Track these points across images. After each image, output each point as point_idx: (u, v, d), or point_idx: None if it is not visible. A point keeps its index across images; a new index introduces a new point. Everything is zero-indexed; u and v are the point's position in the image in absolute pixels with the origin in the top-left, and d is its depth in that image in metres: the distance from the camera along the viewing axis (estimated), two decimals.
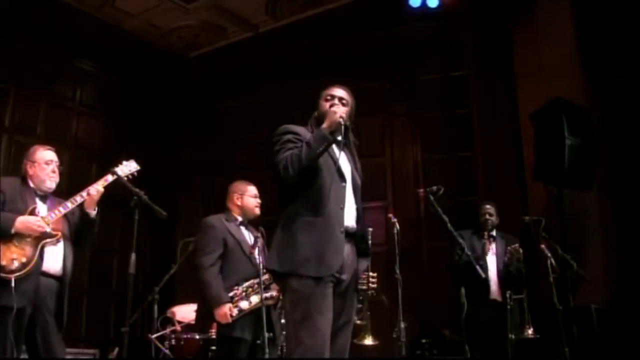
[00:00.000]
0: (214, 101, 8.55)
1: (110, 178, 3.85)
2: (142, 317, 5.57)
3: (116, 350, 5.65)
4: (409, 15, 7.02)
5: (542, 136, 5.66)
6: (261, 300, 3.88)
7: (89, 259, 6.99)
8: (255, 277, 3.95)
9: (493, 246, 5.24)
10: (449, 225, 3.73)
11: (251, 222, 4.30)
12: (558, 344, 4.56)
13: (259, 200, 4.33)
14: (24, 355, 3.67)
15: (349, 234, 2.87)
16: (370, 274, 3.07)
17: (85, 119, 7.69)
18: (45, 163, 3.84)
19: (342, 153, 2.90)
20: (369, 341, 4.63)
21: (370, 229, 3.14)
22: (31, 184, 3.82)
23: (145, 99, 8.27)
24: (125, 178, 3.87)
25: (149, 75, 8.10)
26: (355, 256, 2.91)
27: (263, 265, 3.79)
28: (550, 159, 5.47)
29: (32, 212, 3.69)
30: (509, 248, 5.01)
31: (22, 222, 3.59)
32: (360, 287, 2.99)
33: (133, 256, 3.54)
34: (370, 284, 3.05)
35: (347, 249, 2.84)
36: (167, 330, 5.15)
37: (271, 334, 3.94)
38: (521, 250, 4.98)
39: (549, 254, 4.69)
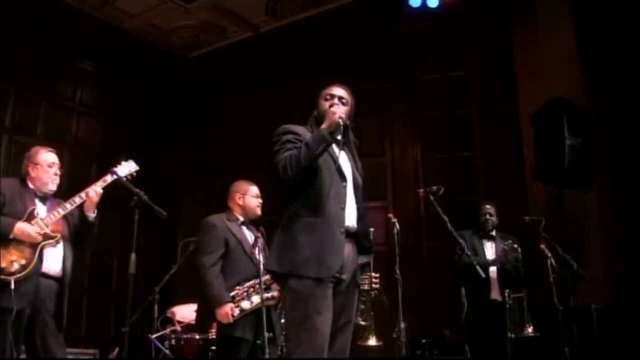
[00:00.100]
0: (214, 101, 8.55)
1: (109, 179, 3.85)
2: (142, 317, 5.58)
3: (116, 350, 5.64)
4: (409, 15, 7.02)
5: (542, 136, 5.66)
6: (262, 300, 3.88)
7: (89, 259, 7.00)
8: (256, 277, 3.95)
9: (493, 246, 5.25)
10: (449, 225, 3.73)
11: (252, 222, 4.30)
12: (558, 344, 4.57)
13: (260, 200, 4.33)
14: (23, 356, 3.67)
15: (350, 234, 2.86)
16: (373, 274, 3.06)
17: (85, 119, 7.70)
18: (48, 166, 3.84)
19: (342, 152, 2.89)
20: (372, 342, 4.62)
21: (372, 229, 3.13)
22: (31, 185, 3.81)
23: (145, 99, 8.27)
24: (125, 178, 3.87)
25: (149, 75, 8.10)
26: (356, 255, 2.90)
27: (263, 266, 3.79)
28: (550, 159, 5.47)
29: (32, 214, 3.68)
30: (501, 246, 5.01)
31: (21, 229, 3.59)
32: (362, 287, 2.98)
33: (133, 256, 3.54)
34: (373, 284, 3.04)
35: (348, 249, 2.84)
36: (167, 330, 5.15)
37: (271, 334, 3.94)
38: (517, 247, 4.98)
39: (549, 254, 4.70)
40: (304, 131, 2.95)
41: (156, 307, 5.14)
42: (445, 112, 7.56)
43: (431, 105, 7.68)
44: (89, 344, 6.42)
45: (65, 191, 4.02)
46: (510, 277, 4.99)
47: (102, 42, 7.47)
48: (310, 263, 2.71)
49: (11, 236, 3.56)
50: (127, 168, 3.96)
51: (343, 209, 2.84)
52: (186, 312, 5.27)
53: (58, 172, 3.88)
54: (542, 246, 4.75)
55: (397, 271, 4.48)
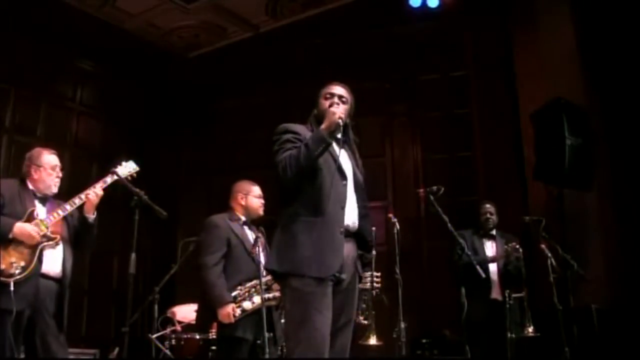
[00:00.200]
0: (214, 101, 8.55)
1: (109, 180, 3.85)
2: (143, 317, 5.57)
3: (116, 350, 5.63)
4: (409, 15, 7.02)
5: (542, 136, 5.66)
6: (262, 300, 3.88)
7: (89, 259, 6.99)
8: (258, 277, 3.95)
9: (493, 245, 5.25)
10: (449, 225, 3.73)
11: (253, 222, 4.31)
12: (558, 344, 4.57)
13: (262, 201, 4.34)
14: (23, 356, 3.68)
15: (350, 233, 2.86)
16: (375, 273, 3.06)
17: (85, 119, 7.69)
18: (51, 168, 3.85)
19: (343, 151, 2.89)
20: (373, 341, 4.62)
21: (373, 229, 3.12)
22: (30, 186, 3.81)
23: (145, 99, 8.27)
24: (125, 179, 3.87)
25: (149, 75, 8.10)
26: (356, 254, 2.90)
27: (263, 266, 3.79)
28: (550, 159, 5.47)
29: (31, 215, 3.68)
30: (505, 247, 5.01)
31: (20, 228, 3.59)
32: (364, 286, 2.98)
33: (133, 256, 3.54)
34: (374, 284, 3.04)
35: (348, 248, 2.84)
36: (168, 330, 5.16)
37: (272, 334, 3.94)
38: (519, 248, 4.99)
39: (549, 254, 4.70)
40: (304, 130, 2.94)
41: (156, 307, 5.13)
42: (445, 112, 7.56)
43: (431, 105, 7.68)
44: (89, 344, 6.41)
45: (65, 191, 4.02)
46: (511, 277, 5.00)
47: (102, 42, 7.47)
48: (310, 262, 2.71)
49: (10, 236, 3.55)
50: (127, 168, 3.96)
51: (343, 208, 2.84)
52: (186, 312, 5.28)
53: (60, 175, 3.89)
54: (542, 246, 4.75)
55: (397, 271, 4.48)
